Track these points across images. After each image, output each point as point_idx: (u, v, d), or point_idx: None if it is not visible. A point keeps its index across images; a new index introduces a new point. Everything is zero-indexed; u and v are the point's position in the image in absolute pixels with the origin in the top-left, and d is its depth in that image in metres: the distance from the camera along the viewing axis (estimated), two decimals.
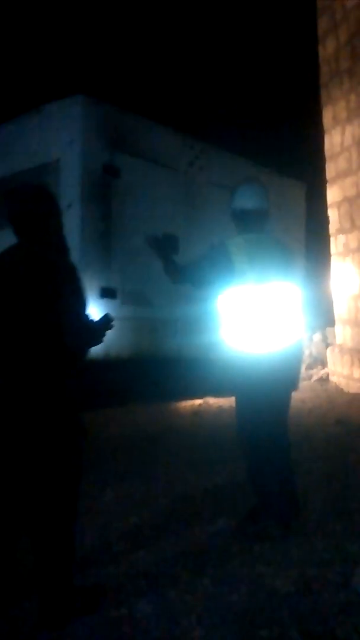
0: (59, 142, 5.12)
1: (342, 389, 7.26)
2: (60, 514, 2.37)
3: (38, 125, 5.33)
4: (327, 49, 8.41)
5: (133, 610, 2.48)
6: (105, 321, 2.46)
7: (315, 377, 8.23)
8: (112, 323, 2.47)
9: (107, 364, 4.98)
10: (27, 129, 5.43)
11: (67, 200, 4.69)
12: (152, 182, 5.43)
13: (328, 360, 8.31)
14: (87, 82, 7.23)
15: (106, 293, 5.19)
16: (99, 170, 5.11)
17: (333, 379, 7.91)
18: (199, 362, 5.62)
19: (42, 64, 8.67)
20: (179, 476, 4.07)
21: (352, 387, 7.00)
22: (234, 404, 3.32)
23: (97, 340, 2.45)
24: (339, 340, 8.07)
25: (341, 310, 7.88)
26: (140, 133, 5.39)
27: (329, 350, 8.32)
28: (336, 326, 8.16)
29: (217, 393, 5.91)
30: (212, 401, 6.11)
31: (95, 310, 2.70)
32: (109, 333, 2.48)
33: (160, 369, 5.47)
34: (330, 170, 8.23)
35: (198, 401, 6.11)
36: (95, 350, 2.63)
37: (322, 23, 8.50)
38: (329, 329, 8.80)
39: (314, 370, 8.48)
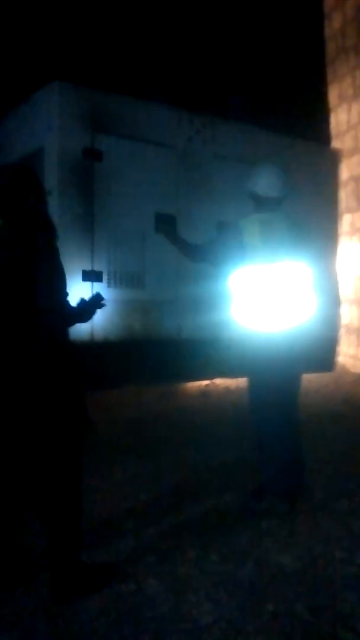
0: (42, 130, 5.16)
1: (348, 369, 7.28)
2: (64, 484, 2.42)
3: (27, 115, 5.35)
4: (333, 24, 8.29)
5: (142, 586, 2.54)
6: (95, 300, 2.57)
7: None
8: (103, 302, 2.58)
9: (92, 346, 4.99)
10: (19, 119, 5.45)
11: (49, 186, 4.70)
12: (142, 162, 5.36)
13: None
14: (69, 67, 7.16)
15: (89, 276, 5.18)
16: (78, 154, 5.10)
17: (339, 359, 7.93)
18: (201, 343, 5.62)
19: (27, 51, 8.57)
20: (187, 455, 4.11)
21: (358, 367, 7.01)
22: (241, 385, 3.36)
23: (86, 318, 2.55)
24: (345, 320, 8.07)
25: (348, 290, 7.86)
26: (127, 114, 5.33)
27: None
28: (342, 306, 8.15)
29: (222, 374, 5.93)
30: (219, 382, 6.14)
31: (80, 293, 2.72)
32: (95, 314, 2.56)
33: (155, 350, 5.47)
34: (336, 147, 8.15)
35: (205, 382, 6.15)
36: (79, 333, 2.67)
37: None
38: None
39: None
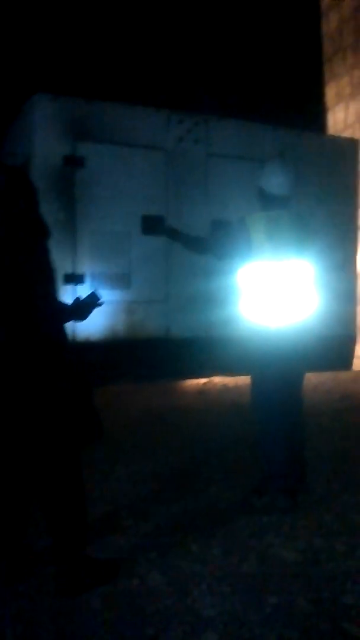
0: (28, 140, 5.26)
1: None
2: (66, 479, 2.45)
3: (22, 126, 5.45)
4: (330, 23, 8.32)
5: (145, 581, 2.55)
6: (91, 299, 2.63)
7: None
8: (100, 302, 2.64)
9: (73, 347, 5.00)
10: (18, 129, 5.54)
11: None
12: (127, 166, 5.41)
13: None
14: (53, 78, 7.25)
15: (71, 279, 5.22)
16: (58, 162, 5.17)
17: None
18: (191, 342, 5.63)
19: (17, 63, 8.62)
20: (187, 452, 4.13)
21: (356, 365, 7.03)
22: (239, 383, 3.39)
23: (83, 316, 2.60)
24: None
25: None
26: (110, 119, 5.40)
27: None
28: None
29: (214, 372, 5.94)
30: (217, 380, 6.16)
31: (63, 296, 2.76)
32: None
33: (141, 350, 5.48)
34: None
35: (203, 380, 6.16)
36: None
37: None
38: None
39: None
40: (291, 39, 9.77)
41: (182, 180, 5.62)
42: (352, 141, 6.60)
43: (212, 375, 6.12)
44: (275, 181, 3.26)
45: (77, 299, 2.65)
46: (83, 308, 2.64)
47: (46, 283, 2.44)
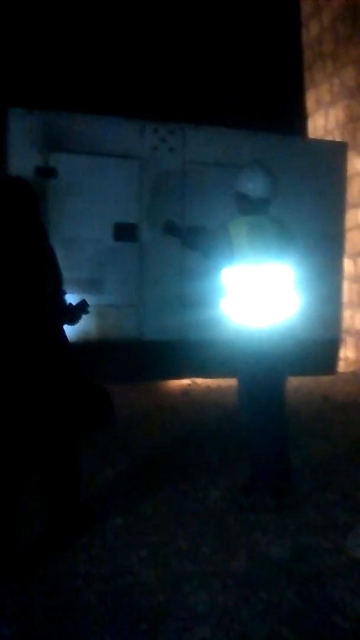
0: (3, 153, 5.38)
1: None
2: (64, 436, 2.82)
3: (3, 139, 5.55)
4: (310, 31, 8.46)
5: (138, 578, 2.60)
6: (81, 305, 2.93)
7: None
8: (88, 309, 2.94)
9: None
10: (2, 142, 5.64)
11: None
12: (101, 175, 5.51)
13: None
14: (28, 93, 7.36)
15: None
16: (30, 173, 5.27)
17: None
18: (165, 345, 5.69)
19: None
20: (174, 452, 4.18)
21: (339, 366, 7.16)
22: (222, 384, 3.48)
23: (73, 321, 2.90)
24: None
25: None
26: (83, 130, 5.51)
27: None
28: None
29: (190, 374, 5.99)
30: (200, 381, 6.22)
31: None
32: None
33: (114, 353, 5.55)
34: None
35: (186, 381, 6.22)
36: None
37: (306, 6, 8.53)
38: None
39: None
40: (271, 47, 9.90)
41: (156, 188, 5.70)
42: (339, 144, 6.65)
43: (188, 378, 6.18)
44: (253, 185, 3.33)
45: (70, 304, 2.90)
46: (74, 313, 2.91)
47: (53, 282, 2.77)
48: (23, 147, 5.26)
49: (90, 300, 3.00)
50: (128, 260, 5.64)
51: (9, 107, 5.41)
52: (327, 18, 7.96)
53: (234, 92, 9.91)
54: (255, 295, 3.26)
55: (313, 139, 7.91)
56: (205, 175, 5.73)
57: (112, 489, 3.53)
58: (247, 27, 10.09)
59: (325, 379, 6.33)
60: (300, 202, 5.63)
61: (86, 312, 2.94)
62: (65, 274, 2.94)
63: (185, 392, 5.97)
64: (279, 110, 8.94)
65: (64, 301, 2.87)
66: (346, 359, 7.47)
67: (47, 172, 5.39)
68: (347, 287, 7.38)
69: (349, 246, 7.13)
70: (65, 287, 2.93)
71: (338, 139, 7.68)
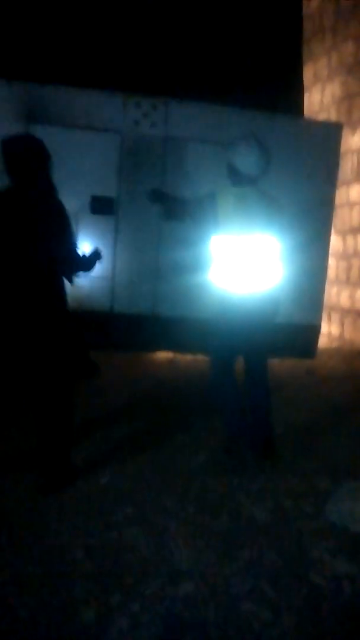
0: None
1: None
2: (59, 387, 3.02)
3: None
4: (311, 3, 8.36)
5: (123, 535, 2.66)
6: (95, 253, 3.13)
7: None
8: (101, 255, 3.16)
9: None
10: None
11: None
12: (79, 148, 5.44)
13: None
14: (8, 63, 7.21)
15: None
16: None
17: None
18: (136, 319, 5.71)
19: None
20: (159, 416, 4.24)
21: (322, 342, 7.25)
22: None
23: (89, 268, 3.11)
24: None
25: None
26: (64, 103, 5.43)
27: None
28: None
29: (160, 348, 6.02)
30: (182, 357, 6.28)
31: None
32: None
33: (86, 322, 5.61)
34: None
35: (171, 354, 6.27)
36: None
37: None
38: None
39: None
40: (272, 18, 9.77)
41: (136, 163, 5.64)
42: (334, 125, 6.44)
43: (159, 351, 6.21)
44: (246, 160, 3.34)
45: (84, 254, 3.09)
46: (89, 261, 3.11)
47: (64, 238, 2.99)
48: (3, 118, 5.18)
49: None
50: (103, 233, 5.59)
51: None
52: None
53: (231, 64, 9.79)
54: (239, 263, 3.34)
55: (305, 119, 7.74)
56: (187, 152, 5.67)
57: (99, 451, 3.58)
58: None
59: None
60: (288, 185, 5.53)
61: (99, 257, 3.15)
62: None
63: (171, 361, 6.03)
64: (276, 84, 8.86)
65: (75, 252, 3.06)
66: (330, 334, 7.58)
67: None
68: (334, 264, 7.45)
69: (338, 223, 7.17)
70: None
71: (333, 115, 7.65)
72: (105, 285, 5.70)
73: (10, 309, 2.94)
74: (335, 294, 7.53)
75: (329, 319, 7.60)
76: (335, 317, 7.59)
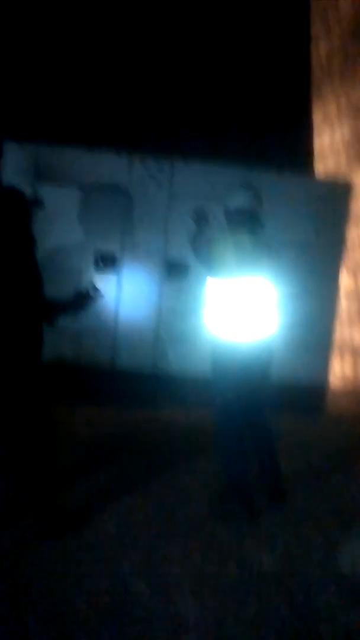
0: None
1: None
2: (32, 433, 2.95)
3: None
4: (320, 50, 8.58)
5: (129, 587, 2.63)
6: (89, 292, 3.13)
7: None
8: (99, 293, 3.15)
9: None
10: None
11: None
12: (85, 206, 5.66)
13: None
14: (22, 127, 7.54)
15: None
16: None
17: None
18: (137, 376, 5.74)
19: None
20: (168, 462, 4.21)
21: (332, 382, 7.22)
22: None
23: (81, 307, 3.14)
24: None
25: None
26: (72, 163, 5.66)
27: None
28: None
29: (157, 405, 6.00)
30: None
31: None
32: None
33: (86, 377, 5.66)
34: (319, 171, 8.42)
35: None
36: None
37: (315, 27, 8.66)
38: None
39: None
40: (280, 64, 10.03)
41: (140, 220, 5.81)
42: (343, 185, 6.17)
43: (160, 409, 6.13)
44: (235, 196, 3.47)
45: (79, 291, 3.09)
46: (83, 299, 3.09)
47: (37, 285, 3.04)
48: (15, 179, 5.44)
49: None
50: (105, 289, 5.65)
51: (4, 140, 5.63)
52: (336, 38, 8.07)
53: (240, 111, 10.00)
54: (232, 309, 3.34)
55: (314, 179, 7.71)
56: (191, 210, 5.69)
57: (105, 499, 3.51)
58: (257, 44, 10.21)
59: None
60: (294, 244, 5.57)
61: (99, 297, 3.14)
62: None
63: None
64: (286, 129, 9.04)
65: (45, 300, 3.08)
66: (343, 375, 7.52)
67: (34, 203, 5.58)
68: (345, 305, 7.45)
69: (349, 262, 7.20)
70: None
71: (343, 157, 7.77)
72: (106, 340, 5.78)
73: None
74: (348, 334, 7.51)
75: (342, 358, 7.57)
76: (347, 357, 7.56)
